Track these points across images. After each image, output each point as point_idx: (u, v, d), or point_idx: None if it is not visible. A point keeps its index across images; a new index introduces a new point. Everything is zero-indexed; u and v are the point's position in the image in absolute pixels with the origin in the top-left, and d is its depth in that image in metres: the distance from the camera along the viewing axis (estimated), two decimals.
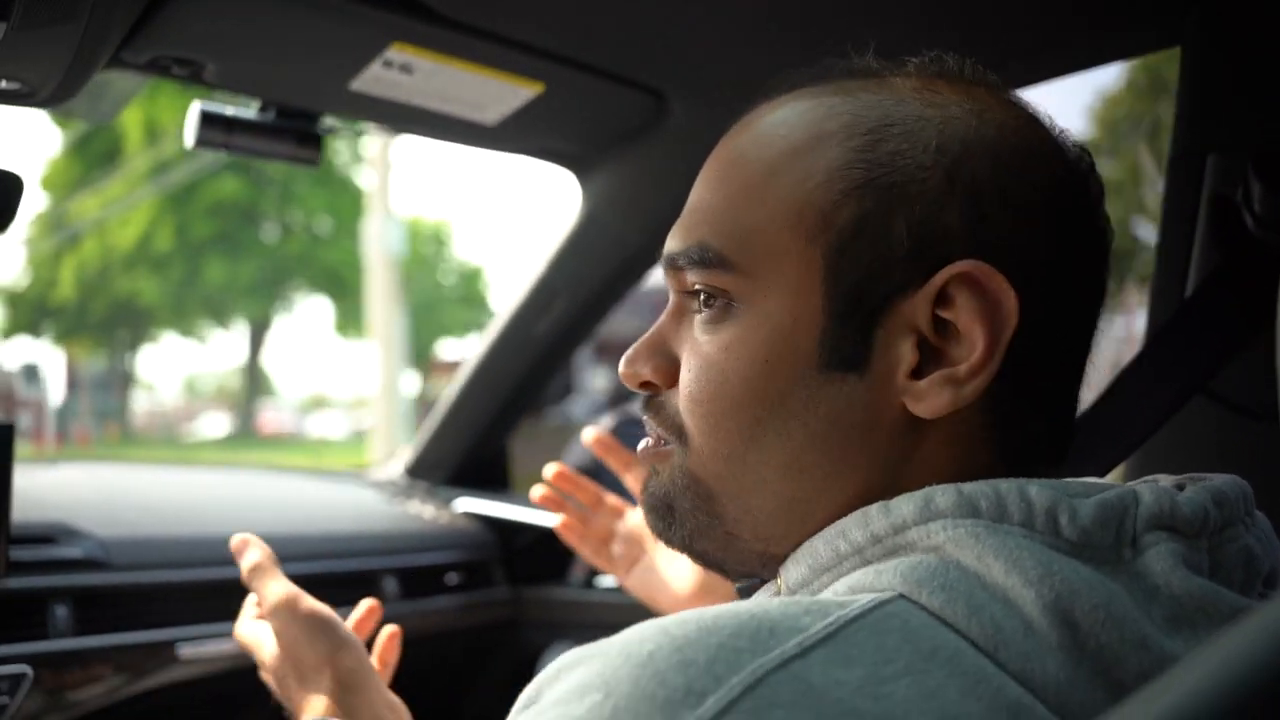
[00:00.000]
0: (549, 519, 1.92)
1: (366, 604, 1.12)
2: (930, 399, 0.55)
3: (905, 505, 0.53)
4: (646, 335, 0.66)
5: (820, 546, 0.56)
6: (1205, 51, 1.03)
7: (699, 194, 0.64)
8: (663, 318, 0.65)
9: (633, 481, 1.17)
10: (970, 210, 0.56)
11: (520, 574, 1.93)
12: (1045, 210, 0.57)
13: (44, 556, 1.32)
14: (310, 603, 0.97)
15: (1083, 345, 0.61)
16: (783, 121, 0.61)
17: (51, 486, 1.68)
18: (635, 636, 0.46)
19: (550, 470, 1.17)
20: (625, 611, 1.80)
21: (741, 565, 0.64)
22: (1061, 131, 0.62)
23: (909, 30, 1.16)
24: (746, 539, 0.62)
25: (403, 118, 1.34)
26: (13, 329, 26.24)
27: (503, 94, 1.27)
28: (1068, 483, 0.54)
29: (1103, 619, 0.47)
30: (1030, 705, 0.45)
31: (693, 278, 0.61)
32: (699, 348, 0.61)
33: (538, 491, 1.22)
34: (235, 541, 1.03)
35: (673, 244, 0.63)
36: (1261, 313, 0.92)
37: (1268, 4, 0.99)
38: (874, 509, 0.54)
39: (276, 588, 0.98)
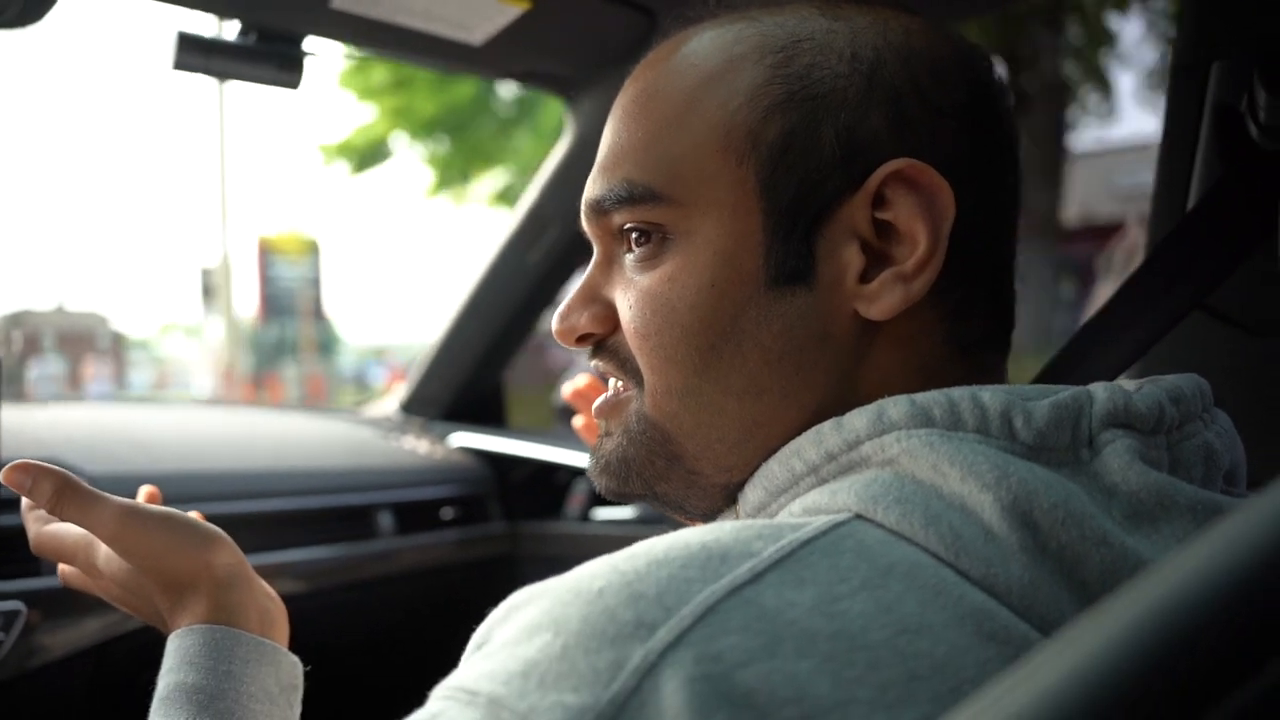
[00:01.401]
0: (545, 452, 1.93)
1: (146, 490, 1.02)
2: (882, 300, 0.56)
3: (858, 420, 0.53)
4: (576, 289, 0.66)
5: (775, 468, 0.56)
6: None
7: (614, 134, 0.64)
8: (589, 269, 0.66)
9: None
10: (893, 113, 0.57)
11: (516, 509, 1.93)
12: (961, 110, 0.59)
13: None
14: (155, 507, 0.85)
15: (1010, 237, 0.63)
16: (693, 51, 0.62)
17: (41, 424, 1.67)
18: (585, 573, 0.46)
19: (567, 390, 1.13)
20: (622, 543, 1.79)
21: (704, 502, 0.64)
22: (963, 39, 0.63)
23: None
24: (708, 473, 0.61)
25: (386, 39, 1.32)
26: None
27: (489, 11, 1.24)
28: (1022, 387, 0.54)
29: (1062, 518, 0.47)
30: (994, 610, 0.45)
31: (620, 218, 0.62)
32: (638, 285, 0.61)
33: (579, 422, 1.14)
34: (9, 473, 0.83)
35: (594, 189, 0.64)
36: (1264, 225, 0.90)
37: None
38: (826, 426, 0.54)
39: (108, 507, 0.83)
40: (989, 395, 0.52)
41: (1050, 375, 0.92)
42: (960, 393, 0.52)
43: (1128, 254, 6.16)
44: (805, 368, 0.58)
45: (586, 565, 0.47)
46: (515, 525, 1.91)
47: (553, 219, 1.79)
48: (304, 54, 1.29)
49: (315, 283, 22.54)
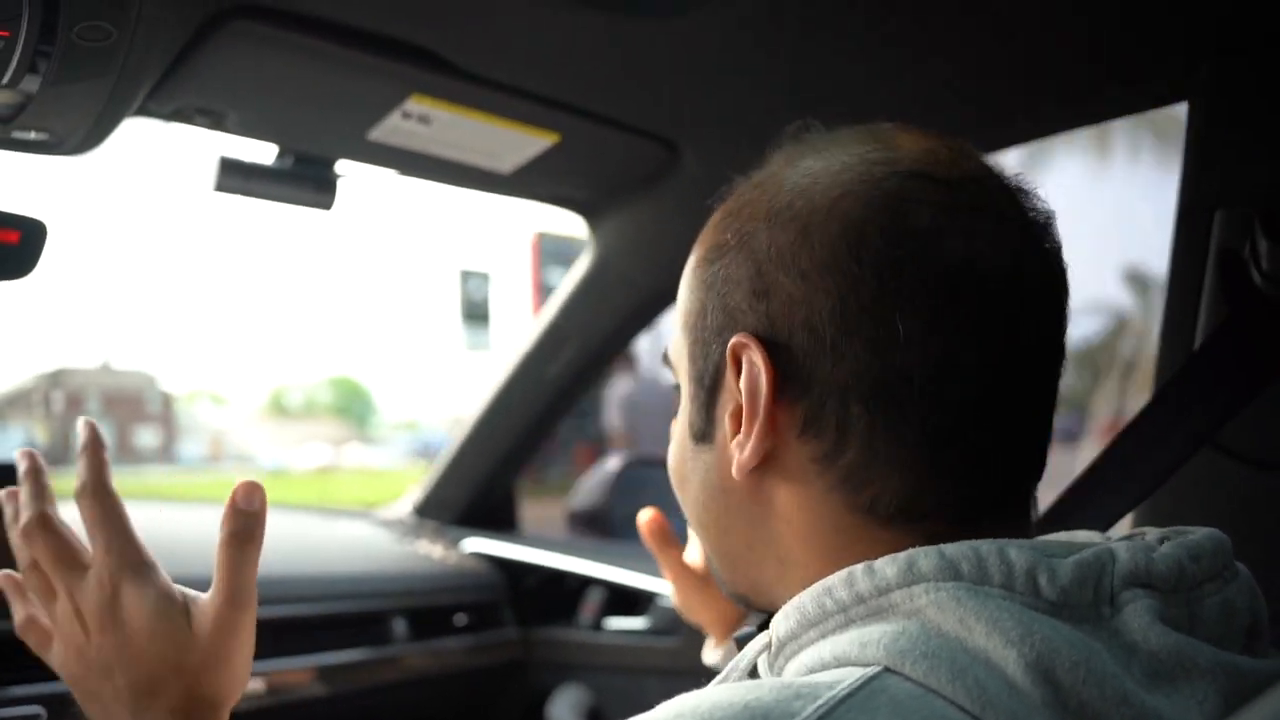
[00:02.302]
0: (558, 560, 1.94)
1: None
2: (735, 461, 0.62)
3: (889, 568, 0.54)
4: None
5: (808, 603, 0.57)
6: (1214, 107, 1.04)
7: None
8: None
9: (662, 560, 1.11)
10: (751, 285, 0.61)
11: (529, 615, 1.93)
12: (826, 270, 0.57)
13: None
14: (155, 574, 0.74)
15: (951, 397, 0.57)
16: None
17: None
18: None
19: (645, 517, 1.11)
20: (634, 654, 1.80)
21: (733, 598, 0.71)
22: (905, 172, 0.59)
23: (919, 88, 1.18)
24: (722, 579, 0.71)
25: (419, 166, 1.36)
26: None
27: (519, 144, 1.29)
28: (1046, 542, 0.55)
29: (1083, 676, 0.48)
30: None
31: None
32: None
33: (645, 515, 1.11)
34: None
35: None
36: (1269, 365, 0.93)
37: (1278, 61, 1.00)
38: (859, 570, 0.55)
39: (113, 536, 0.73)
40: (1015, 552, 0.53)
41: (1057, 512, 0.93)
42: (988, 548, 0.53)
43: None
44: (720, 512, 0.66)
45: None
46: (528, 631, 1.91)
47: (571, 335, 1.83)
48: (338, 176, 1.34)
49: None
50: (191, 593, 0.75)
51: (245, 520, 0.73)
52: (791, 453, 0.60)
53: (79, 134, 1.02)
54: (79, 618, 0.74)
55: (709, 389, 0.65)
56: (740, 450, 0.61)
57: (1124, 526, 0.97)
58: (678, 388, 0.71)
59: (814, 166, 0.61)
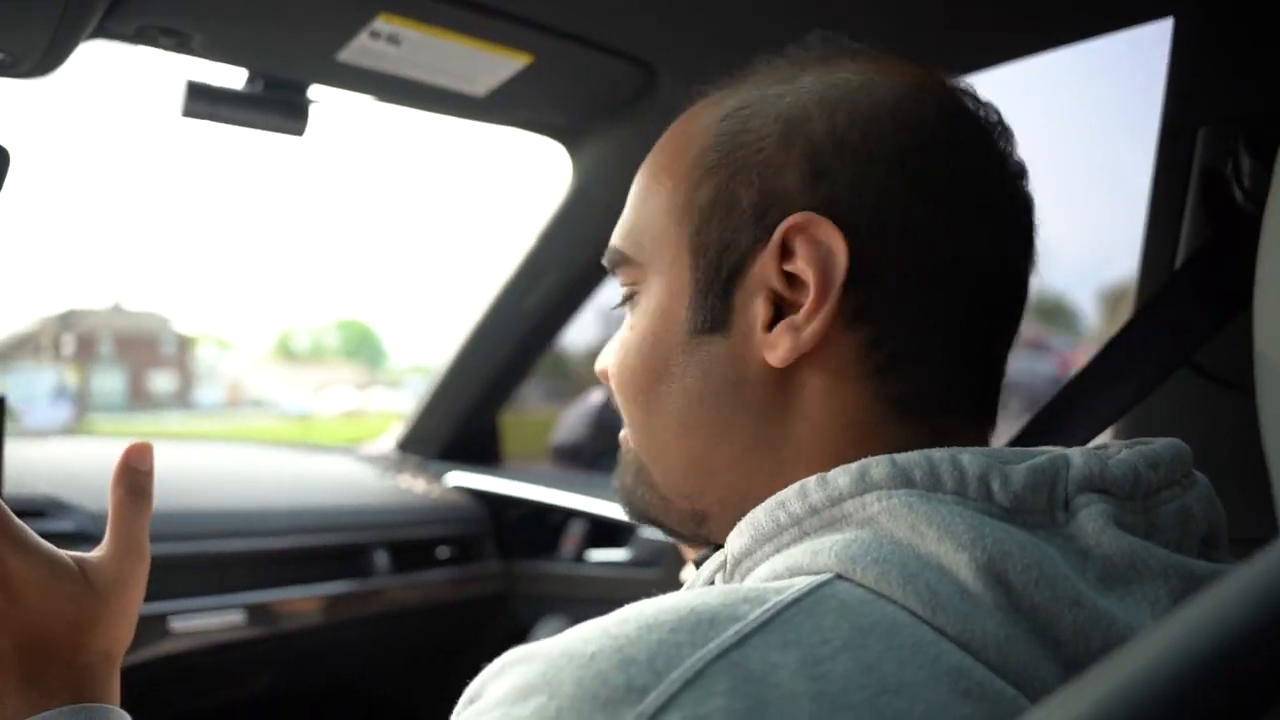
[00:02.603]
0: (540, 493, 1.94)
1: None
2: (778, 348, 0.59)
3: (841, 478, 0.54)
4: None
5: (762, 517, 0.57)
6: (1197, 24, 1.03)
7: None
8: None
9: None
10: (807, 167, 0.59)
11: (511, 548, 1.94)
12: (889, 157, 0.59)
13: (36, 530, 1.31)
14: (38, 542, 0.71)
15: (976, 294, 0.61)
16: (678, 125, 0.68)
17: (42, 460, 1.68)
18: (578, 637, 0.47)
19: None
20: (615, 585, 1.81)
21: (680, 525, 0.68)
22: (928, 78, 0.63)
23: (900, 9, 1.15)
24: (674, 500, 0.67)
25: (391, 89, 1.33)
26: None
27: (491, 65, 1.26)
28: (1000, 450, 0.55)
29: (1035, 578, 0.48)
30: (970, 667, 0.46)
31: (618, 279, 0.69)
32: (619, 334, 0.69)
33: None
34: None
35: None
36: (1249, 286, 0.92)
37: None
38: (811, 482, 0.55)
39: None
40: (968, 458, 0.53)
41: (1033, 430, 0.93)
42: (941, 455, 0.53)
43: None
44: (725, 410, 0.62)
45: (579, 628, 0.48)
46: (510, 564, 1.92)
47: (550, 265, 1.81)
48: (309, 102, 1.31)
49: None
50: (77, 554, 0.74)
51: (137, 478, 0.77)
52: (835, 340, 0.59)
53: (36, 52, 1.00)
54: None
55: (728, 275, 0.61)
56: (794, 334, 0.58)
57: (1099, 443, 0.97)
58: (628, 293, 0.68)
59: (861, 69, 0.62)
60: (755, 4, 1.15)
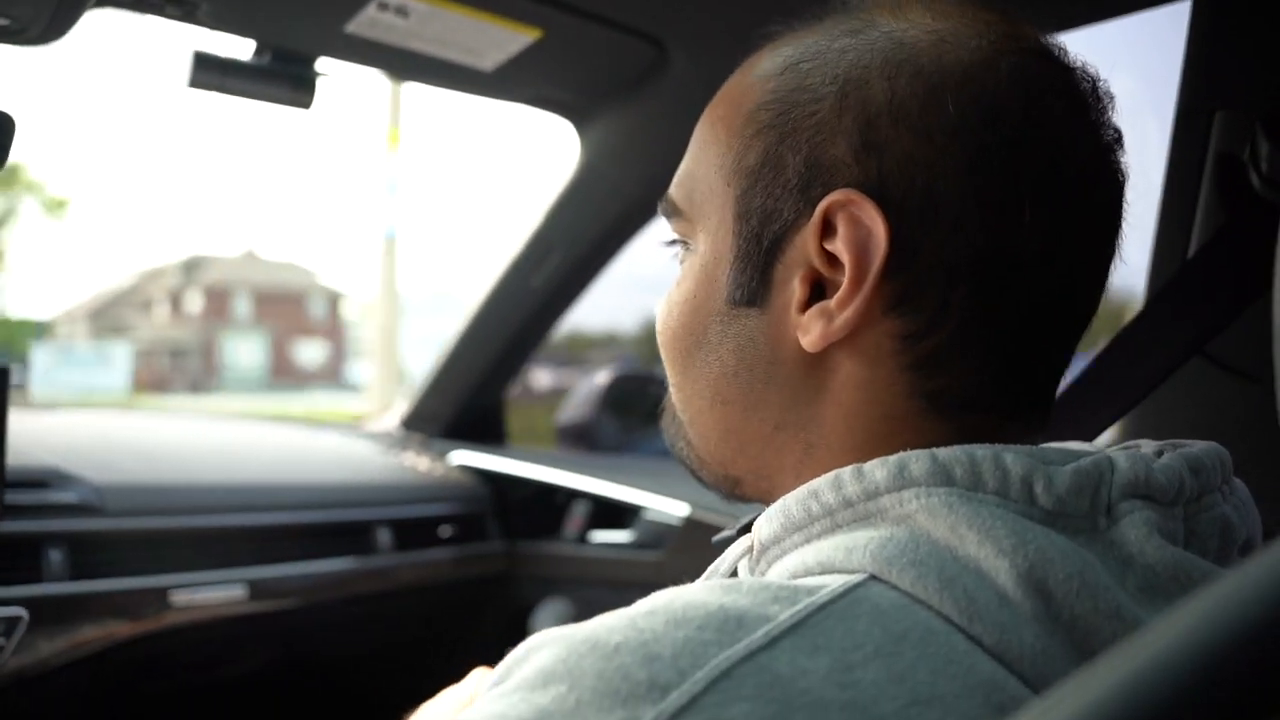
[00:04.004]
0: (544, 473, 1.94)
1: None
2: (810, 332, 0.56)
3: (879, 471, 0.52)
4: None
5: (793, 506, 0.55)
6: (1214, 7, 1.01)
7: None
8: None
9: None
10: (863, 137, 0.55)
11: (514, 528, 1.93)
12: (962, 133, 0.54)
13: (39, 500, 1.32)
14: None
15: (1030, 285, 0.56)
16: (738, 76, 0.63)
17: (47, 431, 1.68)
18: (604, 626, 0.46)
19: None
20: (619, 567, 1.81)
21: (716, 484, 0.67)
22: (1013, 41, 0.57)
23: None
24: (708, 462, 0.65)
25: (399, 63, 1.32)
26: None
27: (500, 39, 1.25)
28: (1044, 449, 0.53)
29: (1076, 588, 0.46)
30: (1003, 681, 0.44)
31: (670, 226, 0.66)
32: (669, 290, 0.66)
33: None
34: None
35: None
36: (1264, 274, 0.91)
37: None
38: (847, 472, 0.53)
39: None
40: (1012, 457, 0.51)
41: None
42: (984, 453, 0.51)
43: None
44: (758, 386, 0.60)
45: (606, 617, 0.47)
46: (513, 544, 1.91)
47: (556, 244, 1.80)
48: (317, 74, 1.30)
49: None
50: None
51: None
52: (872, 327, 0.55)
53: (42, 19, 0.99)
54: None
55: (769, 247, 0.58)
56: (826, 319, 0.55)
57: (1110, 434, 0.96)
58: (679, 241, 0.65)
59: (935, 26, 0.57)
60: None
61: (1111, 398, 0.93)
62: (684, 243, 0.64)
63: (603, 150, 1.62)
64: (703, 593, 0.47)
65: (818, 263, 0.56)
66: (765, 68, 0.60)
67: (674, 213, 0.64)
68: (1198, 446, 0.57)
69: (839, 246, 0.55)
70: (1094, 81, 0.58)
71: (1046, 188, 0.55)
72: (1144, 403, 0.93)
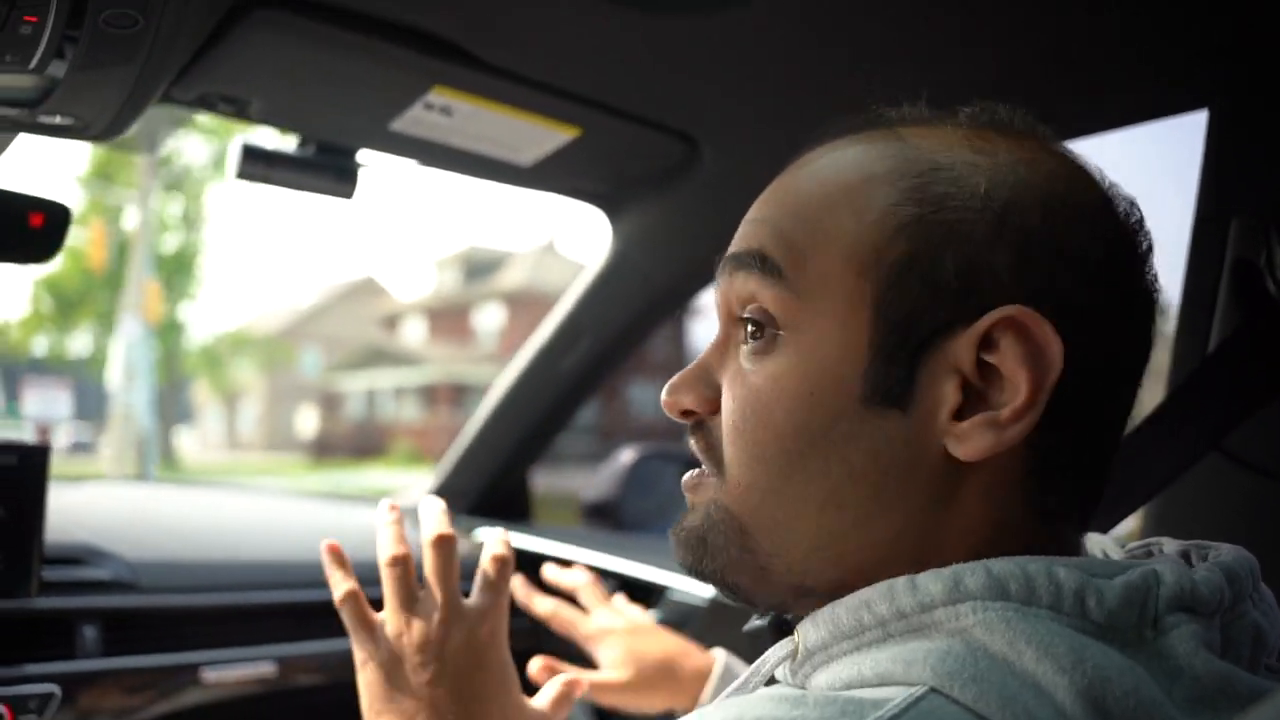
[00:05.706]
0: (569, 550, 1.94)
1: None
2: (972, 441, 0.55)
3: (933, 584, 0.52)
4: (691, 365, 0.66)
5: (843, 614, 0.55)
6: (1231, 116, 1.04)
7: (758, 210, 0.64)
8: (708, 348, 0.66)
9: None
10: (1018, 255, 0.56)
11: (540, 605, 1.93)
12: (1093, 261, 0.57)
13: (74, 577, 1.34)
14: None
15: (1125, 403, 0.60)
16: (835, 161, 0.62)
17: (80, 506, 1.70)
18: None
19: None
20: None
21: (773, 599, 0.63)
22: (1111, 185, 0.61)
23: (944, 91, 1.17)
24: (780, 573, 0.60)
25: (440, 156, 1.37)
26: None
27: (539, 137, 1.30)
28: (1091, 561, 0.54)
29: (1133, 706, 0.47)
30: None
31: (744, 287, 0.61)
32: (745, 378, 0.61)
33: None
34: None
35: (734, 247, 0.64)
36: None
37: None
38: (900, 584, 0.53)
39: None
40: (1064, 572, 0.51)
41: None
42: (1036, 567, 0.52)
43: None
44: (887, 492, 0.57)
45: None
46: (538, 622, 1.92)
47: (586, 329, 1.84)
48: (359, 165, 1.35)
49: None
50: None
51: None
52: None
53: (105, 119, 1.03)
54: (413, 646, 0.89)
55: (915, 346, 0.56)
56: (996, 431, 0.54)
57: (1126, 527, 0.98)
58: (744, 322, 0.62)
59: (1041, 158, 0.60)
60: (797, 79, 1.18)
61: (1127, 491, 0.95)
62: (769, 325, 0.61)
63: (634, 240, 1.66)
64: (770, 706, 0.48)
65: (968, 371, 0.56)
66: (891, 160, 0.60)
67: (774, 273, 0.60)
68: (1228, 554, 0.58)
69: (1004, 360, 0.55)
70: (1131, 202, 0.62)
71: (1143, 314, 0.60)
72: (1161, 496, 0.95)
